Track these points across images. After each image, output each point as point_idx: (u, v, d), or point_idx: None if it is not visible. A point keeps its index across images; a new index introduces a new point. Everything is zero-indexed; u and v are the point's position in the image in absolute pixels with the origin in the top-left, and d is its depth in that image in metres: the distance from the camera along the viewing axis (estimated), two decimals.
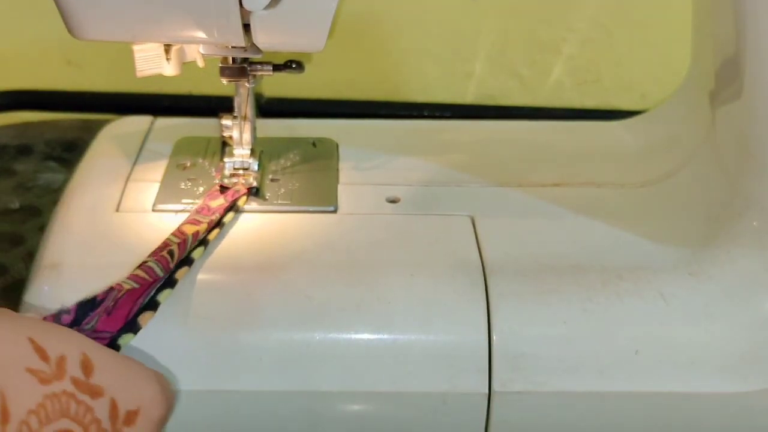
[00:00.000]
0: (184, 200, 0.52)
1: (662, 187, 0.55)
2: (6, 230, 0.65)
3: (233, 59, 0.50)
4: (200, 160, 0.56)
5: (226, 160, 0.54)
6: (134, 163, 0.56)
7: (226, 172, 0.54)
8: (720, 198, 0.50)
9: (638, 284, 0.47)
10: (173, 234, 0.47)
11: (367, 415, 0.47)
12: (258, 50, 0.46)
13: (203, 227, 0.48)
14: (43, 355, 0.31)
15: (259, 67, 0.51)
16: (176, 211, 0.51)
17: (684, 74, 0.59)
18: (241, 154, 0.54)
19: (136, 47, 0.50)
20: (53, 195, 0.64)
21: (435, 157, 0.58)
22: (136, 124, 0.61)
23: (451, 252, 0.49)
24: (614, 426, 0.47)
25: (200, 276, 0.46)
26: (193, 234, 0.47)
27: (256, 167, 0.54)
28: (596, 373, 0.46)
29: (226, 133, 0.54)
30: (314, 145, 0.59)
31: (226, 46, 0.48)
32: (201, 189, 0.53)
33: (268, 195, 0.53)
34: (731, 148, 0.50)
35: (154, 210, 0.51)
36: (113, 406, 0.34)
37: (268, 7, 0.42)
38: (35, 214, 0.66)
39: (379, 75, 0.80)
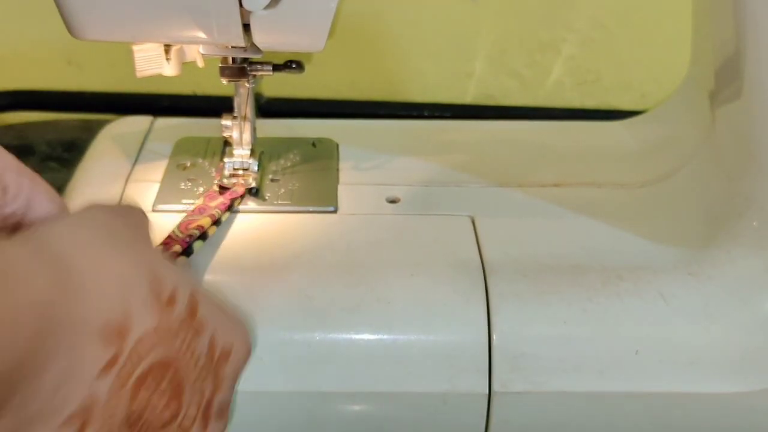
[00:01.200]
0: (184, 200, 0.52)
1: (662, 187, 0.55)
2: None
3: (233, 59, 0.50)
4: (200, 161, 0.56)
5: (226, 160, 0.54)
6: (134, 163, 0.56)
7: (226, 173, 0.54)
8: (720, 198, 0.50)
9: (638, 284, 0.47)
10: (178, 229, 0.47)
11: (368, 416, 0.47)
12: (258, 50, 0.46)
13: (206, 221, 0.48)
14: (160, 287, 0.33)
15: (259, 67, 0.51)
16: (176, 212, 0.51)
17: (684, 74, 0.59)
18: (241, 154, 0.54)
19: (136, 47, 0.50)
20: None
21: (435, 157, 0.58)
22: (136, 124, 0.61)
23: (451, 252, 0.49)
24: (614, 426, 0.47)
25: (200, 276, 0.46)
26: (197, 227, 0.47)
27: (256, 167, 0.54)
28: (596, 373, 0.46)
29: (226, 133, 0.54)
30: (314, 145, 0.59)
31: (226, 46, 0.48)
32: (201, 189, 0.53)
33: (268, 195, 0.53)
34: (731, 148, 0.50)
35: (154, 210, 0.51)
36: (212, 344, 0.36)
37: (268, 7, 0.42)
38: None
39: (379, 75, 0.80)
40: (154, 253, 0.36)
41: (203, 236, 0.48)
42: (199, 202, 0.51)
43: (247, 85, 0.51)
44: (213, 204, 0.50)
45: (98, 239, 0.32)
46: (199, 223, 0.48)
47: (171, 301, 0.34)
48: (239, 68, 0.50)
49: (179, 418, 0.34)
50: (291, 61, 0.51)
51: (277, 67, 0.51)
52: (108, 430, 0.31)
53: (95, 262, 0.31)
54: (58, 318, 0.28)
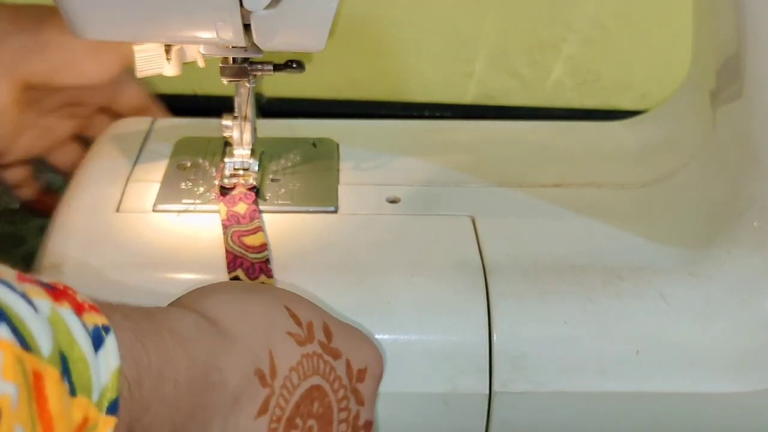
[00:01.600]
0: (184, 200, 0.52)
1: (662, 187, 0.55)
2: (6, 230, 0.65)
3: (233, 59, 0.50)
4: (200, 161, 0.56)
5: (226, 160, 0.54)
6: (134, 164, 0.56)
7: (227, 173, 0.54)
8: (720, 198, 0.50)
9: (638, 284, 0.47)
10: (237, 245, 0.47)
11: None
12: (258, 50, 0.46)
13: (261, 235, 0.48)
14: (297, 321, 0.35)
15: (259, 66, 0.51)
16: (177, 212, 0.51)
17: (684, 74, 0.59)
18: (241, 154, 0.54)
19: (136, 47, 0.50)
20: (54, 195, 0.64)
21: (435, 157, 0.58)
22: (136, 124, 0.61)
23: (451, 252, 0.49)
24: (614, 426, 0.47)
25: (201, 276, 0.46)
26: (261, 245, 0.48)
27: (256, 167, 0.54)
28: (596, 373, 0.46)
29: (226, 133, 0.54)
30: (314, 145, 0.59)
31: (227, 46, 0.48)
32: (201, 189, 0.53)
33: (268, 195, 0.53)
34: (732, 148, 0.50)
35: (154, 210, 0.51)
36: (348, 366, 0.38)
37: (269, 7, 0.42)
38: (36, 215, 0.66)
39: (379, 75, 0.80)
40: (284, 292, 0.38)
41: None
42: (222, 208, 0.51)
43: (247, 84, 0.51)
44: (241, 210, 0.50)
45: (235, 293, 0.35)
46: (262, 241, 0.48)
47: (309, 332, 0.36)
48: (240, 68, 0.50)
49: None
50: (291, 61, 0.51)
51: (277, 67, 0.51)
52: None
53: (238, 314, 0.33)
54: (220, 379, 0.30)
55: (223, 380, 0.31)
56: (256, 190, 0.53)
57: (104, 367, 0.25)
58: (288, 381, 0.34)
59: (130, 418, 0.26)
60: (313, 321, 0.36)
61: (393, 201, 0.54)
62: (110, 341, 0.25)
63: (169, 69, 0.50)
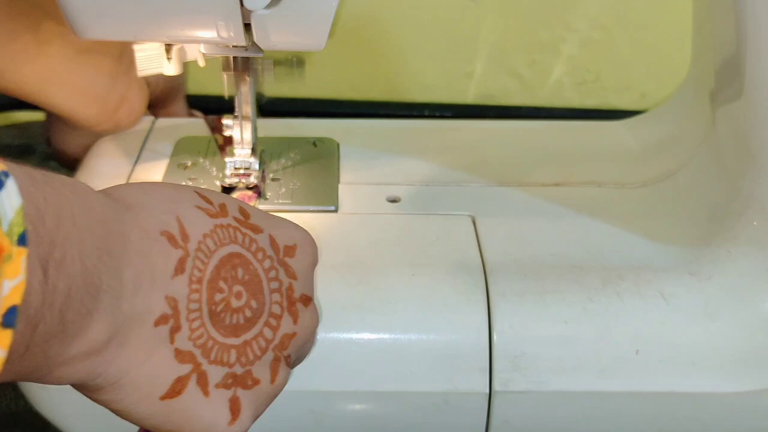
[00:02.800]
0: None
1: (662, 187, 0.55)
2: None
3: (235, 58, 0.50)
4: (201, 160, 0.56)
5: (227, 159, 0.54)
6: (135, 163, 0.56)
7: (227, 172, 0.54)
8: (720, 198, 0.50)
9: (638, 284, 0.47)
10: None
11: (368, 415, 0.47)
12: (259, 49, 0.47)
13: None
14: (207, 200, 0.35)
15: (260, 61, 0.51)
16: None
17: (684, 74, 0.59)
18: (241, 153, 0.54)
19: (136, 47, 0.50)
20: None
21: (435, 157, 0.58)
22: (136, 124, 0.61)
23: (451, 252, 0.49)
24: (614, 426, 0.48)
25: None
26: None
27: (257, 167, 0.54)
28: (596, 373, 0.46)
29: (226, 133, 0.54)
30: (315, 144, 0.59)
31: (227, 46, 0.48)
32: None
33: (268, 195, 0.53)
34: (731, 148, 0.50)
35: None
36: (273, 240, 0.37)
37: (269, 6, 0.42)
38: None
39: (379, 75, 0.80)
40: (195, 187, 0.38)
41: None
42: None
43: (247, 78, 0.51)
44: None
45: (143, 185, 0.35)
46: None
47: (222, 209, 0.35)
48: (241, 60, 0.51)
49: (266, 306, 0.35)
50: (293, 57, 0.51)
51: (278, 63, 0.51)
52: (200, 325, 0.33)
53: (143, 191, 0.33)
54: (122, 230, 0.30)
55: (124, 233, 0.30)
56: (258, 190, 0.53)
57: (8, 204, 0.26)
58: (203, 244, 0.33)
59: (40, 253, 0.26)
60: (226, 203, 0.36)
61: (393, 200, 0.54)
62: (10, 183, 0.26)
63: (170, 68, 0.51)
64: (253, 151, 0.54)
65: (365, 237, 0.50)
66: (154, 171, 0.55)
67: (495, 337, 0.46)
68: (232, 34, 0.44)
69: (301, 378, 0.45)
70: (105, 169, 0.55)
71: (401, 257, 0.48)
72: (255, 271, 0.35)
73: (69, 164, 0.64)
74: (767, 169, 0.47)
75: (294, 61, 0.51)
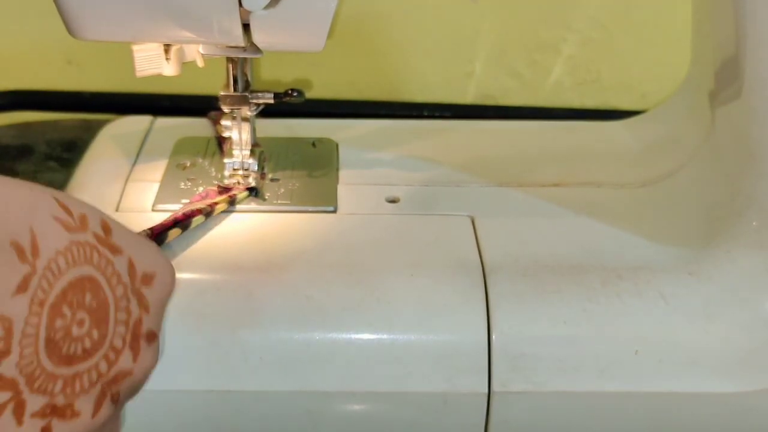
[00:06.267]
0: (183, 200, 0.52)
1: (662, 187, 0.55)
2: None
3: (234, 87, 0.51)
4: (200, 160, 0.56)
5: (226, 160, 0.54)
6: (134, 163, 0.56)
7: (226, 173, 0.54)
8: (720, 198, 0.50)
9: (638, 284, 0.47)
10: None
11: (367, 416, 0.47)
12: (258, 50, 0.47)
13: (221, 199, 0.50)
14: (67, 210, 0.32)
15: (259, 95, 0.51)
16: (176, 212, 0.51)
17: (684, 74, 0.59)
18: (240, 154, 0.54)
19: (136, 47, 0.50)
20: None
21: (435, 157, 0.58)
22: (136, 124, 0.61)
23: (451, 252, 0.49)
24: (614, 426, 0.47)
25: (200, 276, 0.46)
26: (208, 205, 0.49)
27: (255, 167, 0.54)
28: (596, 373, 0.46)
29: (225, 134, 0.54)
30: (314, 145, 0.59)
31: (226, 46, 0.48)
32: (201, 189, 0.53)
33: (268, 195, 0.53)
34: (731, 148, 0.50)
35: (153, 210, 0.51)
36: (131, 265, 0.35)
37: (268, 6, 0.42)
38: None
39: (379, 75, 0.80)
40: (53, 190, 0.35)
41: (208, 213, 0.49)
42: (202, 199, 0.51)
43: (248, 113, 0.52)
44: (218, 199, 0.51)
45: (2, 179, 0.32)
46: (210, 202, 0.48)
47: (82, 222, 0.33)
48: (240, 96, 0.51)
49: (108, 338, 0.33)
50: (292, 90, 0.52)
51: (277, 96, 0.52)
52: (31, 352, 0.30)
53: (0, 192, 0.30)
54: None
55: None
56: (255, 192, 0.53)
57: None
58: (53, 263, 0.30)
59: None
60: (87, 214, 0.33)
61: (392, 201, 0.54)
62: None
63: (169, 69, 0.51)
64: (252, 151, 0.54)
65: (364, 237, 0.50)
66: (153, 171, 0.55)
67: (494, 337, 0.46)
68: (230, 34, 0.44)
69: (300, 378, 0.45)
70: (104, 169, 0.55)
71: (400, 258, 0.48)
72: (104, 299, 0.33)
73: None
74: (767, 169, 0.47)
75: (293, 93, 0.52)
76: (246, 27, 0.44)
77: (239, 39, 0.44)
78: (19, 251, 0.30)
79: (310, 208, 0.52)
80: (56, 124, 0.79)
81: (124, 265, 0.34)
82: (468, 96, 0.81)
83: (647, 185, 0.56)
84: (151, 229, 0.44)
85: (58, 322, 0.31)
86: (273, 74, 0.77)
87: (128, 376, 0.35)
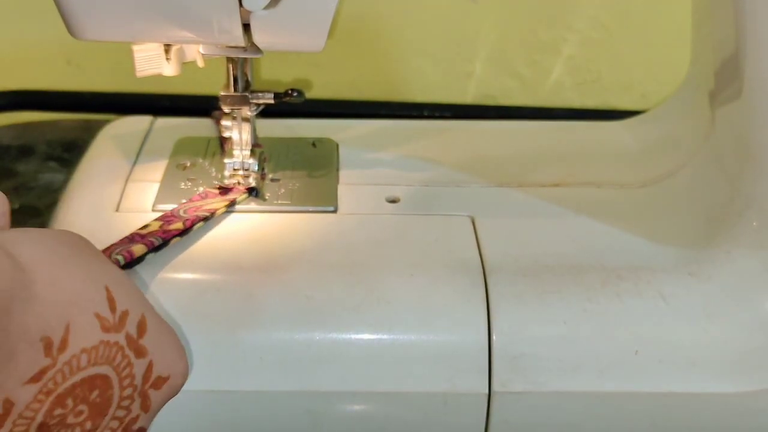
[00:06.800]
0: (183, 200, 0.52)
1: (662, 187, 0.55)
2: None
3: (234, 87, 0.51)
4: (200, 160, 0.56)
5: (226, 160, 0.54)
6: (134, 163, 0.56)
7: (226, 173, 0.54)
8: (720, 198, 0.50)
9: (638, 284, 0.47)
10: (184, 211, 0.49)
11: (367, 416, 0.47)
12: (258, 50, 0.47)
13: (220, 204, 0.50)
14: (111, 305, 0.33)
15: (260, 95, 0.51)
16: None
17: (684, 74, 0.59)
18: (241, 154, 0.54)
19: (136, 47, 0.50)
20: (54, 195, 0.64)
21: (435, 157, 0.58)
22: (136, 124, 0.61)
23: (451, 252, 0.49)
24: (614, 426, 0.47)
25: (200, 276, 0.46)
26: (207, 210, 0.49)
27: (256, 167, 0.54)
28: (596, 373, 0.46)
29: (226, 134, 0.54)
30: (314, 145, 0.59)
31: (226, 46, 0.48)
32: (201, 189, 0.53)
33: (268, 195, 0.53)
34: (731, 148, 0.50)
35: (154, 210, 0.51)
36: (149, 368, 0.36)
37: (268, 6, 0.42)
38: (36, 215, 0.66)
39: (379, 75, 0.80)
40: (112, 271, 0.36)
41: (207, 219, 0.49)
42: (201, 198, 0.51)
43: (249, 113, 0.52)
44: (214, 205, 0.51)
45: (58, 253, 0.32)
46: (211, 207, 0.48)
47: (121, 321, 0.34)
48: (241, 97, 0.51)
49: (99, 430, 0.34)
50: (292, 90, 0.52)
51: (278, 96, 0.52)
52: (22, 431, 0.31)
53: (52, 275, 0.31)
54: (3, 325, 0.29)
55: (5, 327, 0.29)
56: (255, 192, 0.53)
57: None
58: (75, 359, 0.32)
59: None
60: (129, 310, 0.34)
61: (392, 201, 0.54)
62: None
63: (169, 69, 0.51)
64: (252, 151, 0.54)
65: (364, 237, 0.50)
66: (153, 171, 0.55)
67: (494, 337, 0.46)
68: (231, 34, 0.44)
69: (300, 378, 0.45)
70: (104, 169, 0.55)
71: (400, 258, 0.48)
72: (109, 397, 0.34)
73: None
74: (767, 170, 0.47)
75: (293, 93, 0.52)
76: (246, 27, 0.44)
77: (239, 39, 0.44)
78: (47, 346, 0.30)
79: (311, 208, 0.52)
80: (56, 124, 0.79)
81: (142, 369, 0.35)
82: (468, 96, 0.81)
83: (647, 185, 0.56)
84: (162, 237, 0.45)
85: (58, 411, 0.32)
86: (273, 74, 0.77)
87: None
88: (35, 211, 0.67)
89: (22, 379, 0.30)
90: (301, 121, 0.63)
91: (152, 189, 0.53)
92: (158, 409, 0.38)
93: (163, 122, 0.61)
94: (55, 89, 0.81)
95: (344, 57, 0.78)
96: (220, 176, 0.54)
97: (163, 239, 0.46)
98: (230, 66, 0.51)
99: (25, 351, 0.30)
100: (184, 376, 0.38)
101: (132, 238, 0.46)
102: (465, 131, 0.63)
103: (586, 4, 0.76)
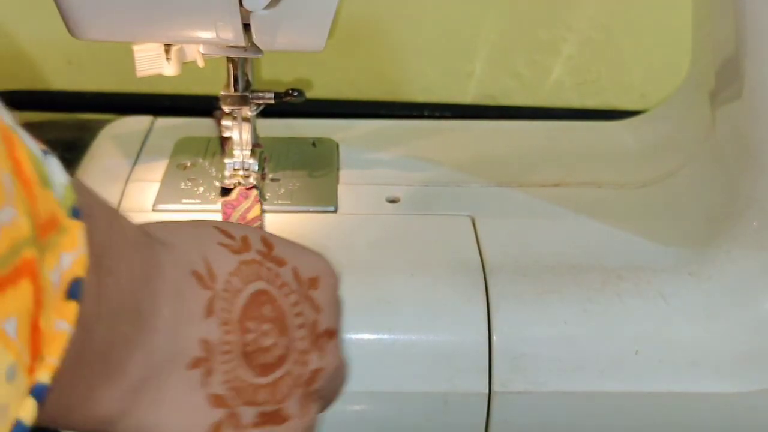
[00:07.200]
0: (184, 200, 0.52)
1: (662, 187, 0.55)
2: None
3: (235, 87, 0.51)
4: (200, 160, 0.56)
5: (226, 160, 0.54)
6: (134, 163, 0.56)
7: (226, 173, 0.54)
8: (720, 198, 0.50)
9: (638, 284, 0.47)
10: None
11: (368, 415, 0.47)
12: (258, 50, 0.47)
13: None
14: (229, 235, 0.35)
15: (260, 95, 0.51)
16: (177, 212, 0.51)
17: (684, 74, 0.59)
18: (241, 154, 0.54)
19: (136, 47, 0.50)
20: None
21: (435, 157, 0.58)
22: (136, 124, 0.61)
23: (451, 252, 0.49)
24: (614, 426, 0.47)
25: None
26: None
27: (256, 167, 0.54)
28: (596, 373, 0.46)
29: (226, 134, 0.54)
30: (314, 145, 0.59)
31: (227, 46, 0.48)
32: (201, 189, 0.53)
33: (268, 195, 0.53)
34: (731, 149, 0.50)
35: (154, 210, 0.51)
36: (296, 273, 0.37)
37: (268, 6, 0.42)
38: None
39: (379, 75, 0.80)
40: (212, 220, 0.37)
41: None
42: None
43: (249, 113, 0.52)
44: (250, 216, 0.51)
45: (166, 223, 0.35)
46: (254, 214, 0.50)
47: (245, 243, 0.35)
48: (241, 96, 0.51)
49: (294, 344, 0.35)
50: (292, 90, 0.52)
51: (278, 96, 0.52)
52: (232, 368, 0.32)
53: (167, 230, 0.33)
54: (159, 263, 0.30)
55: (161, 266, 0.30)
56: (257, 190, 0.53)
57: (57, 172, 0.24)
58: (229, 285, 0.33)
59: (94, 249, 0.25)
60: (248, 235, 0.36)
61: (393, 201, 0.54)
62: (53, 162, 0.24)
63: (169, 69, 0.51)
64: (253, 151, 0.54)
65: (365, 237, 0.50)
66: (154, 171, 0.55)
67: (494, 337, 0.46)
68: (231, 34, 0.44)
69: None
70: (104, 169, 0.55)
71: (401, 258, 0.48)
72: (281, 308, 0.35)
73: None
74: (767, 170, 0.47)
75: (293, 93, 0.52)
76: (246, 27, 0.44)
77: (240, 39, 0.44)
78: (200, 279, 0.32)
79: (311, 208, 0.52)
80: (56, 124, 0.79)
81: (290, 275, 0.36)
82: (468, 96, 0.81)
83: (647, 185, 0.56)
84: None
85: (248, 337, 0.33)
86: (273, 74, 0.77)
87: (320, 372, 0.37)
88: None
89: (200, 314, 0.31)
90: (302, 121, 0.63)
91: (152, 189, 0.53)
92: (333, 308, 0.39)
93: (163, 122, 0.61)
94: (55, 89, 0.81)
95: (344, 57, 0.78)
96: (220, 176, 0.54)
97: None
98: (230, 66, 0.51)
99: (187, 287, 0.31)
100: (333, 275, 0.39)
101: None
102: (465, 131, 0.63)
103: (586, 4, 0.76)
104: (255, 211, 0.50)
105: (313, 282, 0.38)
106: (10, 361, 0.22)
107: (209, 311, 0.32)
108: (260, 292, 0.34)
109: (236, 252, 0.34)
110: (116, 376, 0.28)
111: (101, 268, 0.26)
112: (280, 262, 0.36)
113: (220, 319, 0.32)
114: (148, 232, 0.32)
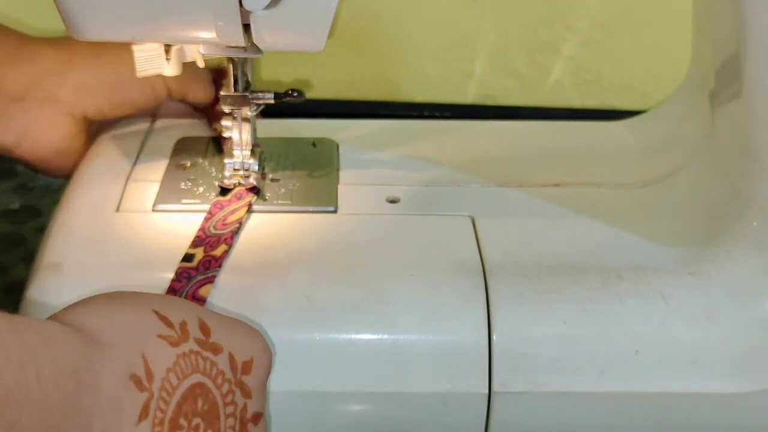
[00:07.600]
0: (184, 200, 0.52)
1: (662, 187, 0.55)
2: (6, 231, 0.65)
3: (234, 87, 0.51)
4: (200, 160, 0.56)
5: (226, 160, 0.54)
6: (134, 163, 0.56)
7: (226, 173, 0.54)
8: (720, 198, 0.50)
9: (638, 284, 0.47)
10: (215, 228, 0.49)
11: (368, 416, 0.47)
12: (258, 50, 0.47)
13: (242, 212, 0.50)
14: (168, 323, 0.35)
15: (260, 95, 0.51)
16: (177, 212, 0.51)
17: (684, 74, 0.59)
18: (241, 154, 0.54)
19: (136, 47, 0.50)
20: (53, 195, 0.64)
21: (435, 157, 0.58)
22: (136, 124, 0.61)
23: (451, 252, 0.49)
24: (614, 426, 0.47)
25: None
26: (236, 220, 0.49)
27: (256, 167, 0.54)
28: (596, 373, 0.46)
29: (226, 134, 0.54)
30: (314, 145, 0.59)
31: (226, 46, 0.48)
32: (201, 189, 0.53)
33: (268, 195, 0.53)
34: (731, 148, 0.50)
35: (154, 210, 0.51)
36: (232, 359, 0.37)
37: (268, 6, 0.42)
38: (36, 215, 0.66)
39: (379, 75, 0.80)
40: (153, 297, 0.37)
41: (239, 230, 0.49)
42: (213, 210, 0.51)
43: (249, 113, 0.52)
44: (231, 219, 0.51)
45: (103, 304, 0.35)
46: (235, 216, 0.49)
47: (183, 332, 0.35)
48: (241, 97, 0.51)
49: None
50: (292, 90, 0.52)
51: (278, 96, 0.52)
52: None
53: (108, 322, 0.33)
54: (95, 381, 0.30)
55: (97, 383, 0.30)
56: (257, 191, 0.53)
57: None
58: (166, 382, 0.33)
59: None
60: (186, 320, 0.36)
61: (393, 201, 0.54)
62: None
63: (169, 69, 0.51)
64: (253, 151, 0.54)
65: (365, 238, 0.50)
66: (154, 171, 0.55)
67: (494, 337, 0.46)
68: (231, 34, 0.44)
69: (300, 379, 0.45)
70: (104, 170, 0.55)
71: (400, 258, 0.48)
72: (213, 400, 0.36)
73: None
74: (767, 170, 0.47)
75: (293, 93, 0.52)
76: (246, 27, 0.44)
77: (239, 39, 0.44)
78: (138, 382, 0.32)
79: (311, 208, 0.52)
80: None
81: (226, 362, 0.37)
82: (468, 96, 0.81)
83: (647, 185, 0.56)
84: (218, 267, 0.46)
85: None
86: (273, 74, 0.77)
87: None
88: (35, 211, 0.67)
89: (134, 420, 0.32)
90: (301, 121, 0.63)
91: (152, 189, 0.53)
92: (262, 390, 0.40)
93: (163, 122, 0.61)
94: None
95: (344, 57, 0.78)
96: (220, 176, 0.54)
97: (219, 266, 0.46)
98: (230, 66, 0.51)
99: (125, 395, 0.31)
100: (267, 352, 0.40)
101: (189, 276, 0.45)
102: (465, 131, 0.63)
103: (586, 4, 0.76)
104: (238, 214, 0.50)
105: (246, 366, 0.38)
106: None
107: (144, 415, 0.32)
108: (196, 386, 0.35)
109: (174, 344, 0.35)
110: None
111: (3, 421, 0.26)
112: (217, 350, 0.37)
113: (153, 422, 0.32)
114: (84, 338, 0.31)
